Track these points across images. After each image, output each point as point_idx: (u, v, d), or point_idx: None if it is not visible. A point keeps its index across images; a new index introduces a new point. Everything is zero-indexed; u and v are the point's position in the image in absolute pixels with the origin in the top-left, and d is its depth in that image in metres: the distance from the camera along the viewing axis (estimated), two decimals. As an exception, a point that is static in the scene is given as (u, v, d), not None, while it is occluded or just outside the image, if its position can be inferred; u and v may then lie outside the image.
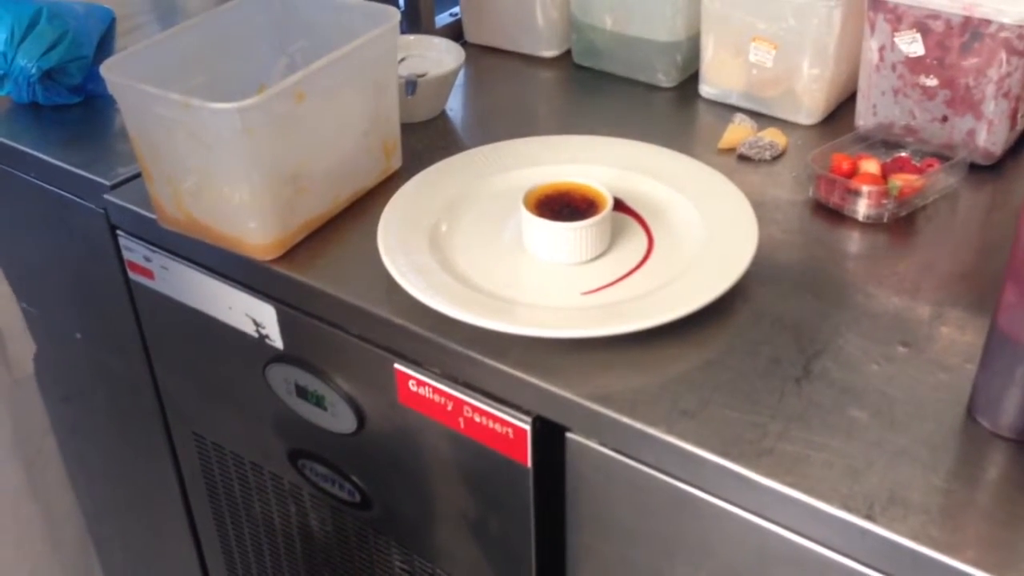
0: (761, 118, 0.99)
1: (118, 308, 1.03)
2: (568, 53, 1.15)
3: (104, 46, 1.08)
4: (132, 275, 0.98)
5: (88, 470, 1.21)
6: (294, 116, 0.79)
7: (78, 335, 1.14)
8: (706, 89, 1.04)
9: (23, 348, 0.78)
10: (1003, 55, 0.84)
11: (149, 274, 0.96)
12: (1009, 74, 0.85)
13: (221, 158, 0.79)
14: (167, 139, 0.81)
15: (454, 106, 1.07)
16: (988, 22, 0.83)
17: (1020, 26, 0.82)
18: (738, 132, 0.96)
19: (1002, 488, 0.62)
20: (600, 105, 1.07)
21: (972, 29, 0.84)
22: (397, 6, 1.16)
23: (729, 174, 0.87)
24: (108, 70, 0.81)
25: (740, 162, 0.94)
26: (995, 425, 0.64)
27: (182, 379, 1.05)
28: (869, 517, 0.59)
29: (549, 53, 1.15)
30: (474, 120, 1.07)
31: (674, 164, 0.89)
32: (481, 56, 1.18)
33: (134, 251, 0.95)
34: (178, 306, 0.95)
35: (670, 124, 1.03)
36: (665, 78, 1.07)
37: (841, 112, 1.00)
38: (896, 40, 0.89)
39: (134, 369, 1.08)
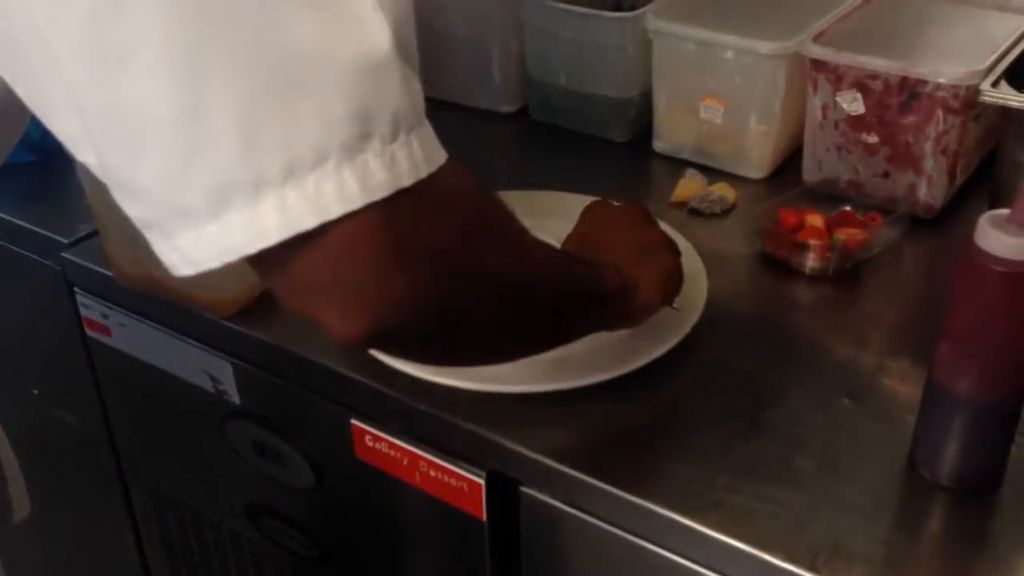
0: (712, 172, 1.02)
1: (75, 365, 1.03)
2: (526, 108, 1.17)
3: (64, 103, 1.09)
4: (89, 332, 0.98)
5: (45, 528, 1.20)
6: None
7: (35, 391, 1.14)
8: (659, 144, 1.06)
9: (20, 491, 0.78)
10: (940, 114, 0.87)
11: (106, 331, 0.96)
12: (946, 132, 0.88)
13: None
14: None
15: (412, 161, 1.08)
16: (925, 82, 0.87)
17: (955, 86, 0.85)
18: (689, 186, 0.98)
19: (942, 539, 0.63)
20: (556, 160, 1.09)
21: (910, 89, 0.88)
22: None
23: (680, 228, 0.88)
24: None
25: (691, 216, 0.96)
26: (935, 476, 0.65)
27: (139, 435, 1.04)
28: (813, 568, 0.60)
29: (507, 108, 1.18)
30: (432, 175, 1.08)
31: (626, 219, 0.90)
32: (440, 110, 1.16)
33: (91, 308, 0.95)
34: (136, 363, 0.95)
35: (624, 178, 1.05)
36: (619, 133, 1.09)
37: (789, 166, 1.02)
38: (838, 99, 0.92)
39: (91, 425, 1.07)
